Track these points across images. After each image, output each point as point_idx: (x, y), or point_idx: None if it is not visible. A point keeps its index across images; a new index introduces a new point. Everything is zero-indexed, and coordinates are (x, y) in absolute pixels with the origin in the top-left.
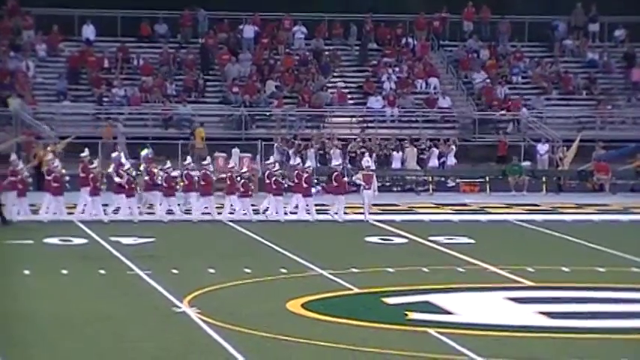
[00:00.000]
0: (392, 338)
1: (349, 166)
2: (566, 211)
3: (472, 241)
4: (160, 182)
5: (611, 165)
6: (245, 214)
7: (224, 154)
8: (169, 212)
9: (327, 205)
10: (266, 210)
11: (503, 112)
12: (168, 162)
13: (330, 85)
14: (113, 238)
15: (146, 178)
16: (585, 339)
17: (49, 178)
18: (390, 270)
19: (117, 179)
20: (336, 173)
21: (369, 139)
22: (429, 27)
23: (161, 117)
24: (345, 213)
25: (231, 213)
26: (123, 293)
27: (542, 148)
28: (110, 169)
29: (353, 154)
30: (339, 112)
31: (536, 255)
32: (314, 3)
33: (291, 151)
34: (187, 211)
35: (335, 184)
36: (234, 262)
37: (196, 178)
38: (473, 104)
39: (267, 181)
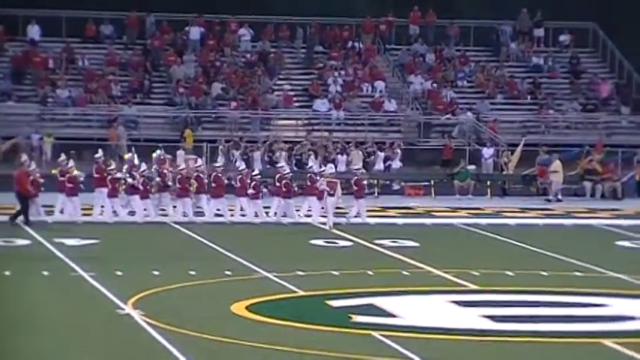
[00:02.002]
0: (336, 341)
1: (295, 168)
2: (510, 215)
3: (417, 244)
4: (171, 184)
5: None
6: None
7: (169, 156)
8: (184, 214)
9: (269, 208)
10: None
11: (448, 115)
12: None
13: (276, 87)
14: (57, 240)
15: (157, 179)
16: (528, 342)
17: (62, 178)
18: (335, 273)
19: (130, 180)
20: (355, 178)
21: (332, 141)
22: (376, 30)
23: (106, 118)
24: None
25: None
26: (66, 295)
27: (487, 152)
28: (124, 171)
29: (299, 157)
30: (285, 114)
31: (481, 258)
32: (260, 5)
33: (237, 153)
34: (199, 213)
35: (355, 187)
36: (179, 264)
37: (206, 180)
38: (418, 108)
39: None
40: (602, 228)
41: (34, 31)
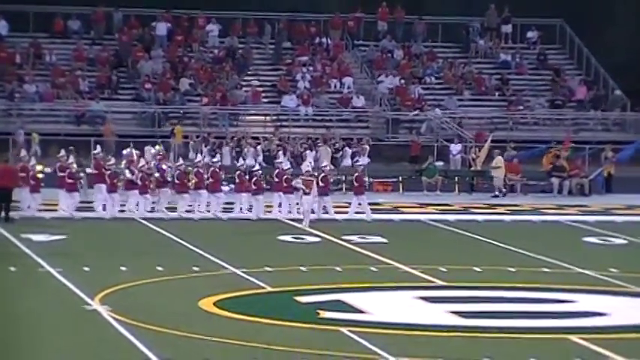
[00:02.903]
0: (304, 337)
1: (263, 164)
2: (478, 211)
3: (385, 240)
4: (170, 179)
5: (522, 166)
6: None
7: (138, 151)
8: (188, 210)
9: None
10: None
11: (416, 112)
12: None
13: (244, 83)
14: (24, 235)
15: (157, 175)
16: (496, 338)
17: (62, 174)
18: (303, 269)
19: (129, 175)
20: (357, 174)
21: (293, 138)
22: (344, 27)
23: (73, 113)
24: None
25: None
26: (33, 291)
27: (455, 148)
28: (122, 166)
29: (267, 153)
30: (254, 110)
31: (449, 254)
32: (229, 1)
33: (205, 149)
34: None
35: (356, 184)
36: (147, 260)
37: (206, 175)
38: (387, 104)
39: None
40: (570, 224)
41: (1, 26)
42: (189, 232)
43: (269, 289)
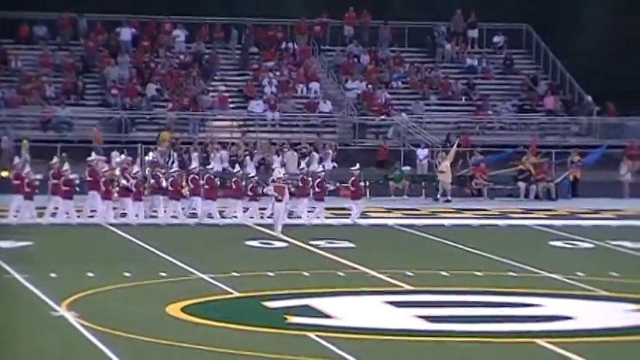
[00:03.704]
0: (272, 342)
1: (230, 170)
2: (445, 216)
3: (352, 245)
4: (165, 186)
5: (489, 170)
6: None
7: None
8: (173, 217)
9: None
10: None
11: (383, 117)
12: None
13: (210, 88)
14: None
15: (152, 181)
16: (463, 343)
17: (56, 181)
18: (271, 274)
19: (124, 182)
20: (353, 178)
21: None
22: (310, 31)
23: (39, 119)
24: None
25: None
26: (0, 298)
27: (422, 153)
28: (117, 172)
29: (234, 158)
30: (221, 115)
31: (416, 259)
32: (195, 6)
33: (175, 155)
34: (193, 215)
35: (352, 188)
36: (114, 265)
37: (201, 182)
38: (353, 109)
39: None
40: (536, 228)
41: None
42: (156, 237)
43: (236, 294)
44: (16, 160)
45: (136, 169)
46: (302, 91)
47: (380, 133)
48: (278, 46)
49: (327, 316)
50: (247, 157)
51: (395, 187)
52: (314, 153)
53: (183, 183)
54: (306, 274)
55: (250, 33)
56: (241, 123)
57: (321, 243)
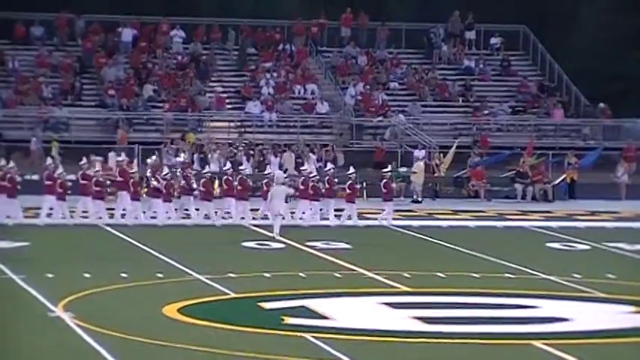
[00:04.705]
0: (268, 343)
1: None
2: (442, 217)
3: (349, 246)
4: (195, 187)
5: (486, 172)
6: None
7: (100, 158)
8: (206, 217)
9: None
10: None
11: (380, 118)
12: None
13: (208, 89)
14: None
15: (182, 182)
16: (460, 344)
17: (85, 182)
18: (267, 275)
19: (154, 183)
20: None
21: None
22: (307, 33)
23: (36, 120)
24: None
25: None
26: None
27: (419, 154)
28: (148, 173)
29: (232, 159)
30: (218, 116)
31: (412, 260)
32: (192, 7)
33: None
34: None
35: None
36: (111, 266)
37: (235, 183)
38: (351, 110)
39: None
40: (533, 230)
41: None
42: (154, 238)
43: (233, 295)
44: (48, 161)
45: (165, 170)
46: (299, 92)
47: (377, 134)
48: (275, 47)
49: (324, 317)
50: (244, 158)
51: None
52: (310, 154)
53: (216, 184)
54: (302, 275)
55: (247, 34)
56: (238, 124)
57: (318, 244)
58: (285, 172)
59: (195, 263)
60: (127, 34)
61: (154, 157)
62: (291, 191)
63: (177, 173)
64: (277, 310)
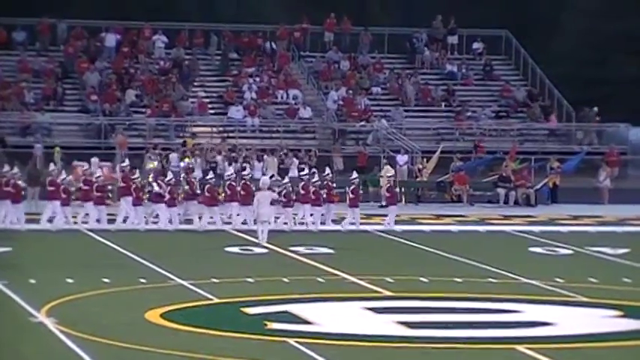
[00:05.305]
0: (251, 348)
1: (211, 174)
2: (424, 222)
3: (332, 251)
4: (199, 192)
5: (468, 176)
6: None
7: (83, 163)
8: (210, 222)
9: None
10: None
11: (363, 123)
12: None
13: (190, 94)
14: None
15: (186, 187)
16: (443, 349)
17: (87, 187)
18: (250, 280)
19: (157, 189)
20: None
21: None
22: (290, 37)
23: (18, 125)
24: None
25: (85, 222)
26: None
27: (402, 159)
28: (150, 179)
29: (214, 164)
30: (200, 121)
31: (395, 265)
32: (175, 12)
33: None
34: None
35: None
36: (93, 271)
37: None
38: (333, 115)
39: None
40: (516, 234)
41: None
42: (136, 243)
43: (216, 300)
44: (51, 166)
45: (169, 176)
46: (282, 97)
47: (360, 139)
48: (258, 52)
49: (307, 322)
50: (226, 163)
51: (375, 193)
52: (294, 159)
53: (220, 189)
54: (285, 280)
55: (230, 39)
56: (221, 129)
57: (300, 249)
58: (271, 177)
59: (178, 268)
60: (110, 39)
61: (155, 163)
62: (276, 196)
63: (181, 178)
64: (260, 315)
